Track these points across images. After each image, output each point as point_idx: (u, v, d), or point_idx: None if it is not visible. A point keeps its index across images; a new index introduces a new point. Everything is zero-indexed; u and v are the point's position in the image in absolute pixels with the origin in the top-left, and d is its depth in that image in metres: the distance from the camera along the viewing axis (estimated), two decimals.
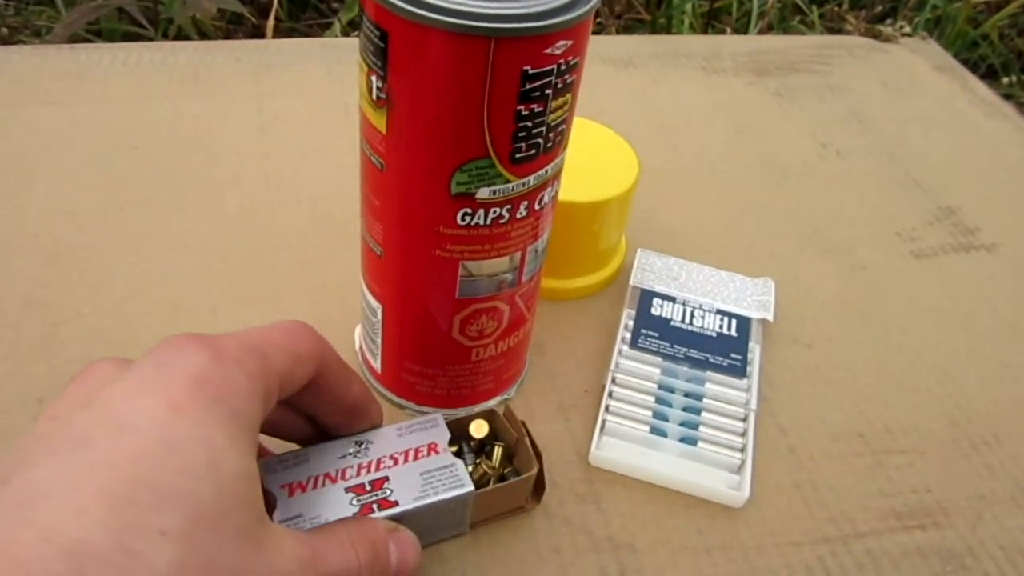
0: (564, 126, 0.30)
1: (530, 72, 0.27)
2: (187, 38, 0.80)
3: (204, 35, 0.88)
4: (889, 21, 0.97)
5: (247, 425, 0.24)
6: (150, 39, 0.82)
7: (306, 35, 1.02)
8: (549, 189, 0.32)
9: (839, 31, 1.18)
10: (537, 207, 0.32)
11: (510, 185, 0.30)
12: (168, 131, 0.54)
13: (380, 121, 0.29)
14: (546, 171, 0.31)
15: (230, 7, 0.73)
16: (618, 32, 1.01)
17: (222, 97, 0.58)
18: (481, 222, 0.31)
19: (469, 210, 0.30)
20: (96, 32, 0.83)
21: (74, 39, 0.80)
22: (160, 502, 0.21)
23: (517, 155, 0.29)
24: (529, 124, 0.28)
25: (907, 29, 0.89)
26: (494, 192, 0.30)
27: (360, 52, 0.29)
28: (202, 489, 0.22)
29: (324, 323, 0.43)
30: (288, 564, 0.24)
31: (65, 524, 0.20)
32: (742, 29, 1.06)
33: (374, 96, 0.29)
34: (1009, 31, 1.17)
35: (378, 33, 0.27)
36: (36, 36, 0.82)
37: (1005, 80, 1.09)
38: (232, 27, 0.95)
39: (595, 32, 1.06)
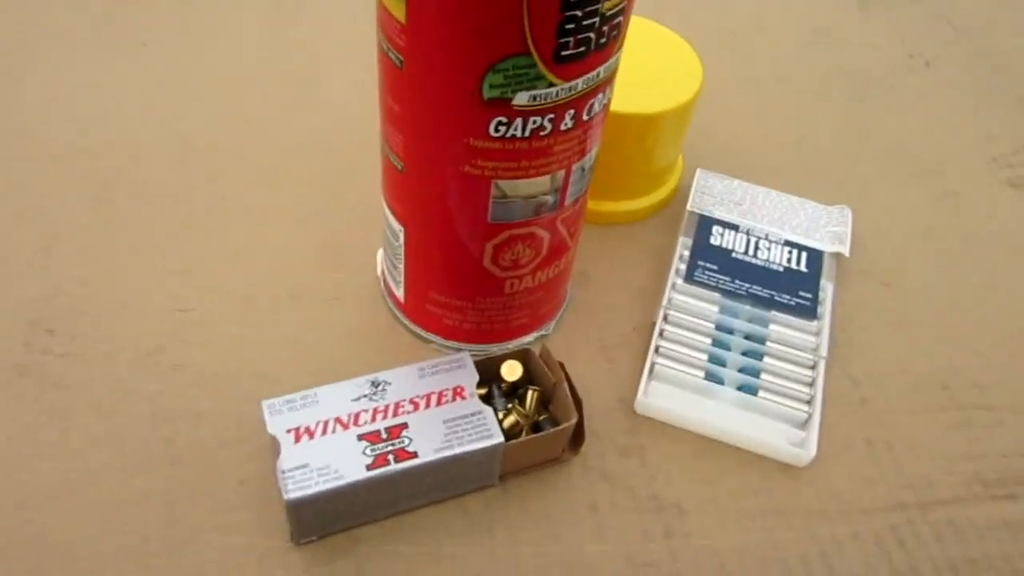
0: (621, 17, 0.25)
1: None
2: None
3: None
4: None
5: None
6: None
7: None
8: (600, 96, 0.27)
9: None
10: (585, 117, 0.27)
11: (554, 90, 0.25)
12: (179, 24, 0.49)
13: (398, 7, 0.24)
14: (598, 73, 0.25)
15: None
16: None
17: None
18: (518, 134, 0.26)
19: (504, 119, 0.25)
20: None
21: None
22: None
23: (563, 52, 0.24)
24: (579, 13, 0.23)
25: None
26: (534, 98, 0.25)
27: None
28: None
29: (342, 245, 0.39)
30: None
31: None
32: None
33: None
34: None
35: None
36: None
37: None
38: None
39: None
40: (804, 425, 0.34)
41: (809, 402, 0.34)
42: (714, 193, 0.42)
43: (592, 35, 0.24)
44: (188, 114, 0.44)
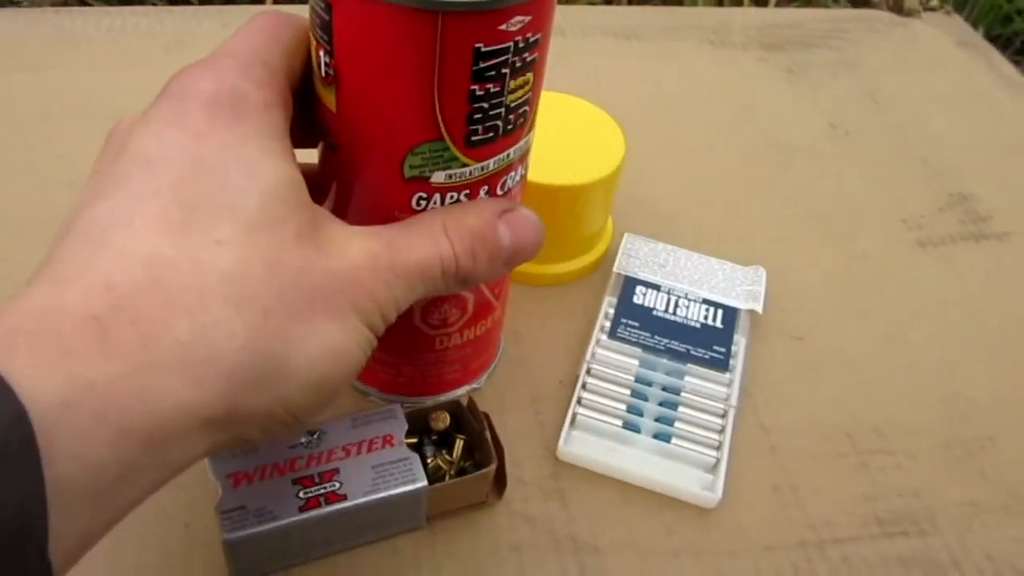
0: (527, 107, 0.28)
1: (483, 50, 0.25)
2: (187, 1, 0.78)
3: None
4: None
5: (274, 134, 0.25)
6: (149, 1, 0.80)
7: None
8: (513, 174, 0.30)
9: (868, 3, 1.13)
10: (500, 192, 0.30)
11: (467, 169, 0.28)
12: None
13: (330, 99, 0.28)
14: (508, 155, 0.29)
15: None
16: (630, 3, 0.98)
17: None
18: (438, 207, 0.29)
19: (424, 195, 0.28)
20: None
21: (71, 1, 0.79)
22: (210, 219, 0.22)
23: (473, 138, 0.27)
24: (485, 105, 0.26)
25: (935, 2, 0.85)
26: (450, 176, 0.28)
27: (309, 25, 0.27)
28: (246, 201, 0.23)
29: None
30: (355, 258, 0.25)
31: (134, 245, 0.21)
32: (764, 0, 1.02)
33: (322, 73, 0.27)
34: None
35: (323, 5, 0.25)
36: None
37: None
38: None
39: (606, 2, 1.02)
40: (713, 469, 0.37)
41: (718, 448, 0.37)
42: (640, 256, 0.45)
43: (499, 123, 0.27)
44: None
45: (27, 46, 0.55)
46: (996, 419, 0.42)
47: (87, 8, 0.59)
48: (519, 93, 0.27)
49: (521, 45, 0.26)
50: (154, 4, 0.80)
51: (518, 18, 0.25)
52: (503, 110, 0.27)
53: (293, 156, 0.25)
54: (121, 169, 0.23)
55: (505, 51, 0.25)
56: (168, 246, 0.22)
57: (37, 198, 0.45)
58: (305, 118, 0.29)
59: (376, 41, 0.25)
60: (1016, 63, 1.10)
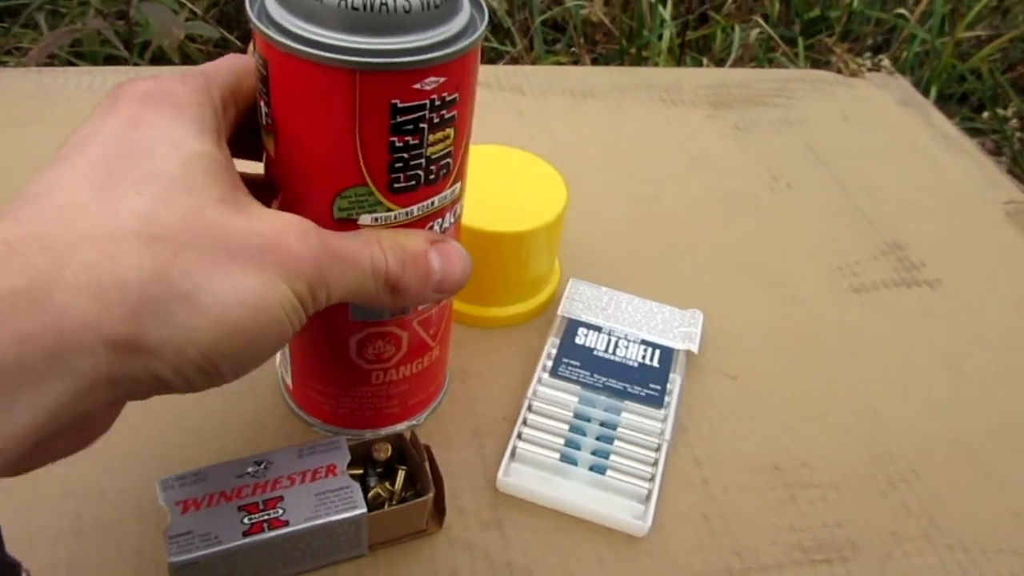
0: (449, 159, 0.31)
1: (399, 106, 0.28)
2: (169, 62, 0.82)
3: (188, 58, 0.90)
4: (868, 55, 0.97)
5: (204, 125, 0.27)
6: (133, 63, 0.84)
7: None
8: (440, 220, 0.32)
9: (827, 64, 1.18)
10: None
11: (392, 214, 0.31)
12: None
13: (270, 145, 0.30)
14: (432, 203, 0.31)
15: (205, 32, 0.75)
16: (593, 63, 1.02)
17: None
18: None
19: None
20: (80, 55, 0.86)
21: (55, 62, 0.82)
22: (135, 181, 0.25)
23: (395, 185, 0.30)
24: (405, 156, 0.29)
25: (886, 63, 0.90)
26: (376, 219, 0.30)
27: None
28: (169, 166, 0.25)
29: None
30: (284, 226, 0.26)
31: (58, 199, 0.24)
32: (725, 60, 1.06)
33: (263, 121, 0.30)
34: (997, 66, 1.17)
35: (261, 60, 0.28)
36: (22, 56, 0.84)
37: (985, 115, 1.08)
38: (218, 51, 0.97)
39: (572, 62, 1.07)
40: (645, 500, 0.39)
41: (651, 479, 0.39)
42: (583, 299, 0.48)
43: (420, 172, 0.30)
44: None
45: (9, 102, 0.59)
46: (920, 455, 0.44)
47: (69, 68, 0.63)
48: (439, 146, 0.30)
49: (438, 103, 0.28)
50: (136, 64, 0.84)
51: (432, 78, 0.28)
52: (423, 161, 0.30)
53: (224, 147, 0.28)
54: (60, 153, 0.26)
55: (421, 107, 0.28)
56: (89, 198, 0.24)
57: None
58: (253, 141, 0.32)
59: (303, 94, 0.28)
60: (971, 119, 1.15)
